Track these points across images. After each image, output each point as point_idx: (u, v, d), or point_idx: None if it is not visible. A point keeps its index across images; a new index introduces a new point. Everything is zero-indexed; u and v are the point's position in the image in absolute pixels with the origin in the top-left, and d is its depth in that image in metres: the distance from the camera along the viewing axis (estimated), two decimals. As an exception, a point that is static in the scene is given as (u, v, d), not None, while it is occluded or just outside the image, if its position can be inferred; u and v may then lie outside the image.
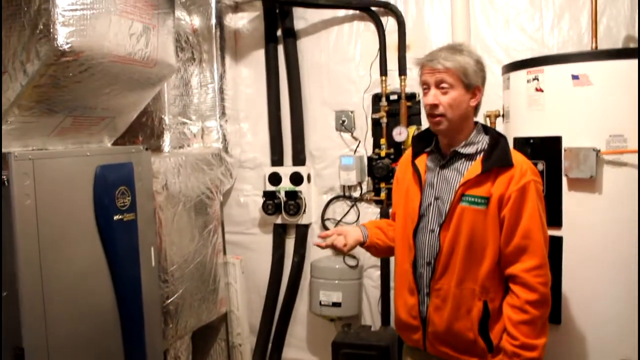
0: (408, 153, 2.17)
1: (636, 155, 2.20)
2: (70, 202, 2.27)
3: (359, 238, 2.18)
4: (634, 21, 2.88)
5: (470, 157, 1.96)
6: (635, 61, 2.21)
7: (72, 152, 2.38)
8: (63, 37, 2.01)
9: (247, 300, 3.84)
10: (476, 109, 1.99)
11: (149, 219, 2.70)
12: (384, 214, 3.35)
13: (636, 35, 2.88)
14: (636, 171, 2.22)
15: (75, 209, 2.30)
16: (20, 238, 2.04)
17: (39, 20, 2.01)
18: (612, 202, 2.26)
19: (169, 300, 3.00)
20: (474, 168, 1.92)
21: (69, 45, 2.03)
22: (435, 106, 1.90)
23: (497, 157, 1.89)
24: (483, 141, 1.97)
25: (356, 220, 3.51)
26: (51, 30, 2.00)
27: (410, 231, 2.02)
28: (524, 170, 1.87)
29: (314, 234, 3.68)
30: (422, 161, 2.07)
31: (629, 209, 2.24)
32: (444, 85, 1.88)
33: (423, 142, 2.11)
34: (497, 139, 1.95)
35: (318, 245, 2.23)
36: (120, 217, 2.46)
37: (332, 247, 2.16)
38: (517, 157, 1.92)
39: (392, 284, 3.30)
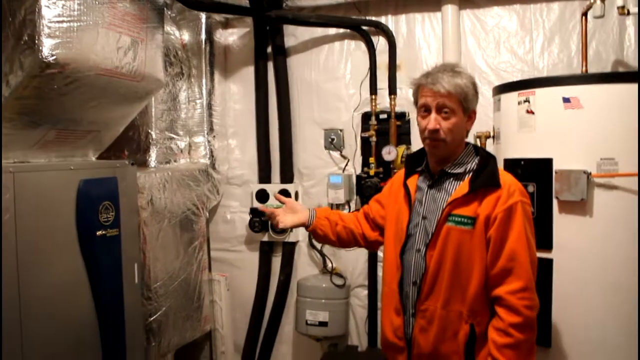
0: (401, 173, 2.15)
1: (627, 178, 2.20)
2: (52, 216, 2.22)
3: (304, 221, 2.25)
4: (623, 45, 2.90)
5: (458, 176, 1.94)
6: (625, 85, 2.21)
7: (54, 165, 2.33)
8: (48, 48, 1.98)
9: (231, 319, 3.79)
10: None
11: (133, 234, 2.65)
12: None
13: (624, 59, 2.90)
14: (626, 194, 2.21)
15: (57, 224, 2.25)
16: (-3, 254, 1.98)
17: (24, 31, 1.98)
18: (603, 225, 2.25)
19: (152, 318, 2.95)
20: (461, 188, 1.90)
21: (54, 57, 1.99)
22: (436, 131, 1.87)
23: (484, 178, 1.87)
24: (472, 161, 1.95)
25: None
26: (36, 41, 1.96)
27: (398, 250, 1.99)
28: (512, 191, 1.85)
29: (301, 252, 3.64)
30: (413, 181, 2.05)
31: (620, 232, 2.23)
32: (446, 110, 1.86)
33: (415, 161, 2.09)
34: (486, 160, 1.94)
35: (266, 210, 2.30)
36: (103, 232, 2.42)
37: (270, 216, 2.26)
38: (505, 177, 1.90)
39: (379, 304, 3.26)
